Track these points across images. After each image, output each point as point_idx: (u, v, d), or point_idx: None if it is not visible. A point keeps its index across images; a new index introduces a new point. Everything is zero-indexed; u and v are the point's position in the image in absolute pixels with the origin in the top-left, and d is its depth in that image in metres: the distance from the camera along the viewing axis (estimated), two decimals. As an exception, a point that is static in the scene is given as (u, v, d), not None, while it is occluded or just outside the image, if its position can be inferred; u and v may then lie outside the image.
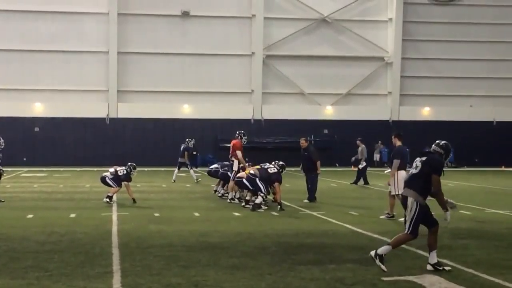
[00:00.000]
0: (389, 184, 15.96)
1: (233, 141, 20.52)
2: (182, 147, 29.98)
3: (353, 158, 31.43)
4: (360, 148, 29.00)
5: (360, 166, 28.54)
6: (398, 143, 16.29)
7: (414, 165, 9.97)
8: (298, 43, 45.73)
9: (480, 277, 9.33)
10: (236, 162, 20.10)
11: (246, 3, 45.00)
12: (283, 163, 18.80)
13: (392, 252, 9.78)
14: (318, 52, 45.83)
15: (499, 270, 9.75)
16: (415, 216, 9.62)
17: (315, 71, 45.74)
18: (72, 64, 43.40)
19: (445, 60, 47.22)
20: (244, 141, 20.67)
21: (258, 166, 18.64)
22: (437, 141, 10.05)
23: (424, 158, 9.86)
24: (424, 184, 9.71)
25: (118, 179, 19.38)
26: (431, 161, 9.79)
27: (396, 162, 15.85)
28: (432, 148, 10.02)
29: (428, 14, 46.94)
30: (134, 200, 19.16)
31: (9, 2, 42.72)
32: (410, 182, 9.93)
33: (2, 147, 19.60)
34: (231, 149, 20.49)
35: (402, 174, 15.64)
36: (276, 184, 18.02)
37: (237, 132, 20.90)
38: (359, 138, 30.02)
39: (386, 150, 43.80)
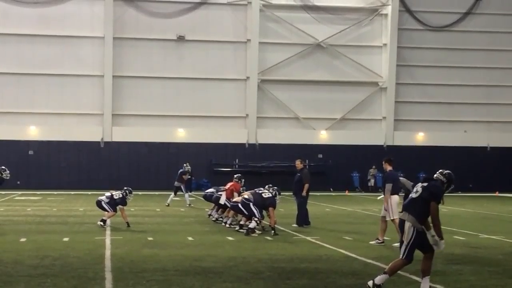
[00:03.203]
0: (385, 210, 15.91)
1: (233, 184, 20.86)
2: (180, 171, 29.99)
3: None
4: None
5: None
6: (388, 168, 16.32)
7: (414, 189, 10.03)
8: (293, 68, 45.84)
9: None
10: (224, 197, 20.39)
11: (242, 28, 45.19)
12: (277, 188, 18.75)
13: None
14: (313, 77, 45.94)
15: (493, 296, 9.75)
16: (411, 242, 9.65)
17: (309, 95, 45.81)
18: (67, 87, 43.39)
19: (439, 86, 47.36)
20: (242, 185, 21.37)
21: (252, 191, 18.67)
22: (441, 170, 10.13)
23: (425, 184, 9.92)
24: (422, 209, 9.72)
25: (113, 204, 19.36)
26: (431, 188, 9.84)
27: (388, 186, 15.88)
28: (435, 175, 10.07)
29: (422, 40, 47.13)
30: (128, 224, 19.13)
31: (5, 25, 42.81)
32: (408, 207, 9.96)
33: (8, 178, 19.61)
34: (227, 191, 20.59)
35: (395, 199, 15.74)
36: (270, 208, 17.97)
37: (236, 176, 21.51)
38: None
39: (380, 175, 43.80)
